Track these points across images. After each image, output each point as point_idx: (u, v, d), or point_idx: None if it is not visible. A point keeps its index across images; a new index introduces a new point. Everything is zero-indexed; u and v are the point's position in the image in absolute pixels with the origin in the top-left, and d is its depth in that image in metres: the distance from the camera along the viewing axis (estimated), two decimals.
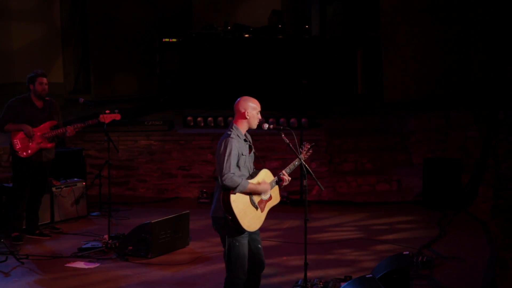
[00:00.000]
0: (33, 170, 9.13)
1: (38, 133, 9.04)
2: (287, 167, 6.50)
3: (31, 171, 9.12)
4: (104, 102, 13.82)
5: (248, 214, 6.22)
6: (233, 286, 6.28)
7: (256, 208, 6.28)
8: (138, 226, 8.66)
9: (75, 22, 15.30)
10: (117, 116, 9.11)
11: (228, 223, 6.17)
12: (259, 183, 6.29)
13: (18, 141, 9.01)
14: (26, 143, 9.02)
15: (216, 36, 13.86)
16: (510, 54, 12.27)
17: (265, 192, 6.32)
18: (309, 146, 6.71)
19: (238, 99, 6.38)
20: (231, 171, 6.11)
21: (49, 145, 9.16)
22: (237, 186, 6.12)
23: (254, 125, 6.36)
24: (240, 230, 6.18)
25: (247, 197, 6.24)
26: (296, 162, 6.53)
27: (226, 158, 6.13)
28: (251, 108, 6.31)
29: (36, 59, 15.04)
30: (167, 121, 12.06)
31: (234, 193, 6.14)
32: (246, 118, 6.31)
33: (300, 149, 6.60)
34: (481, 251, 8.72)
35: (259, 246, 6.43)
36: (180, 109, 13.30)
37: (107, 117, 9.02)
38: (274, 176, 6.45)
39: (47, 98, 9.16)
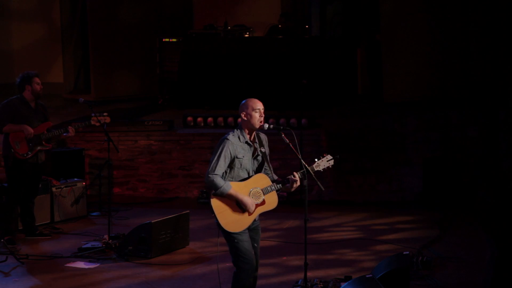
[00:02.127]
0: (29, 172, 9.10)
1: (37, 134, 9.02)
2: (298, 172, 6.44)
3: (27, 173, 9.08)
4: (104, 102, 13.84)
5: (230, 215, 6.22)
6: (240, 281, 6.29)
7: (243, 210, 6.27)
8: (138, 226, 8.66)
9: (75, 22, 15.31)
10: (107, 119, 9.20)
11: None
12: (243, 195, 6.22)
13: (16, 143, 8.95)
14: (25, 144, 8.99)
15: (216, 36, 13.85)
16: (510, 54, 12.25)
17: (246, 205, 6.23)
18: (330, 157, 6.56)
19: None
20: (216, 172, 6.16)
21: (48, 146, 9.14)
22: (217, 189, 6.16)
23: (255, 125, 6.37)
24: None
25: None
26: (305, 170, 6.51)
27: (215, 158, 6.20)
28: (249, 109, 6.33)
29: (36, 59, 15.04)
30: (167, 121, 12.05)
31: (214, 195, 6.19)
32: (245, 120, 6.33)
33: (318, 159, 6.53)
34: (481, 251, 8.72)
35: (255, 245, 6.43)
36: (180, 109, 13.29)
37: (100, 119, 9.12)
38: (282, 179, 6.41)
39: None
